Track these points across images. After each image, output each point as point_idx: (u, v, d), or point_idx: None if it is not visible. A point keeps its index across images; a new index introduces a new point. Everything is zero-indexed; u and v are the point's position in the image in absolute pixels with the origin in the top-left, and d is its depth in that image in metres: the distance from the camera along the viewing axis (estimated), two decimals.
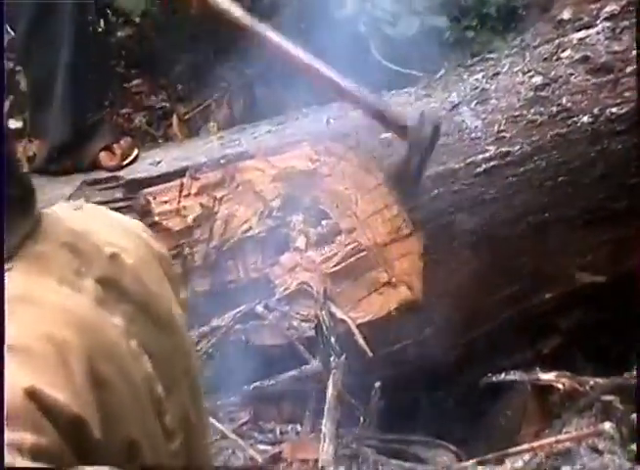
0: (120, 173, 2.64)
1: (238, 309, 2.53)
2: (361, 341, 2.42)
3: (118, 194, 2.60)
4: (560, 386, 2.41)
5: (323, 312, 2.46)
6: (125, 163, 2.68)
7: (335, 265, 2.52)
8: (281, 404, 2.51)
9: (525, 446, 2.11)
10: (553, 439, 2.12)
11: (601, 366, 2.52)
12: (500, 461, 2.14)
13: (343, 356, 2.39)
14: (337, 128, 2.66)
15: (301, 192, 2.59)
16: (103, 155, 2.70)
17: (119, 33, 3.55)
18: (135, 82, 3.45)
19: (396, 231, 2.46)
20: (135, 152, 2.72)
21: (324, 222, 2.56)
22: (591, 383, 2.35)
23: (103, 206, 2.56)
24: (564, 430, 2.25)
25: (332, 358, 2.39)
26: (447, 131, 2.57)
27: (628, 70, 2.67)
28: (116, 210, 2.48)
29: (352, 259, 2.50)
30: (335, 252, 2.53)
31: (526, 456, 2.10)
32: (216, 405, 2.42)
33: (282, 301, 2.55)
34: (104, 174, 2.65)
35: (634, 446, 1.80)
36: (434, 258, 2.46)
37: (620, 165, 2.61)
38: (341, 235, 2.53)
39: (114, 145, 2.71)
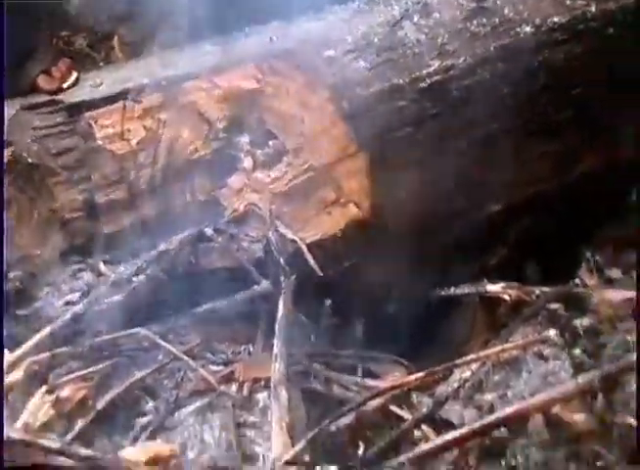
0: (60, 97, 2.59)
1: (186, 233, 2.52)
2: (311, 260, 2.42)
3: (59, 118, 2.54)
4: (507, 296, 2.45)
5: (272, 233, 2.46)
6: (65, 85, 2.63)
7: (283, 186, 2.51)
8: (233, 326, 2.52)
9: (473, 356, 2.14)
10: (499, 347, 2.15)
11: (547, 276, 2.55)
12: (449, 372, 2.17)
13: (293, 276, 2.39)
14: (280, 47, 2.63)
15: (247, 112, 2.57)
16: (41, 78, 2.64)
17: None
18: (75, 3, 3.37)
19: (343, 150, 2.45)
20: (75, 74, 2.66)
21: (271, 143, 2.55)
22: (537, 292, 2.38)
23: (44, 130, 2.56)
24: (510, 339, 2.29)
25: (282, 279, 2.40)
26: (391, 47, 2.55)
27: None
28: (58, 134, 2.52)
29: (300, 180, 2.49)
30: (282, 172, 2.52)
31: (474, 366, 2.13)
32: (167, 328, 2.43)
33: (231, 223, 2.54)
34: (43, 98, 2.60)
35: (577, 351, 1.84)
36: (382, 175, 2.46)
37: (563, 76, 2.62)
38: (288, 155, 2.52)
39: (53, 68, 2.65)
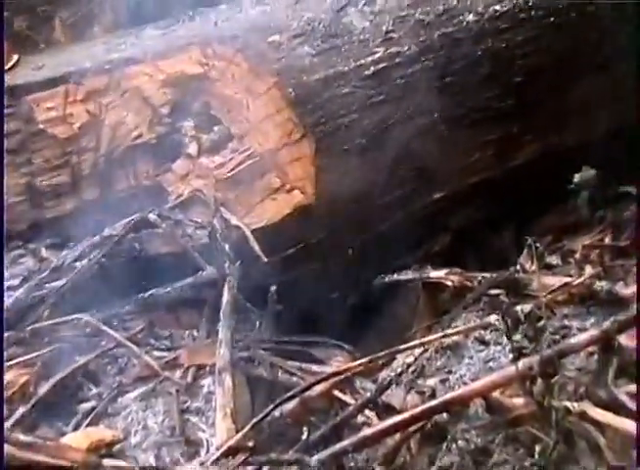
0: None
1: (130, 218, 2.50)
2: (256, 246, 2.42)
3: None
4: (449, 282, 2.48)
5: (217, 219, 2.46)
6: (5, 68, 2.59)
7: (228, 172, 2.50)
8: (177, 312, 2.51)
9: (416, 342, 2.16)
10: (442, 333, 2.18)
11: (489, 262, 2.59)
12: (392, 358, 2.19)
13: (238, 262, 2.39)
14: (225, 31, 2.61)
15: (191, 97, 2.55)
16: None
17: None
18: None
19: (288, 136, 2.45)
20: (15, 57, 2.63)
21: (215, 128, 2.53)
22: (479, 278, 2.41)
23: None
24: (453, 324, 2.32)
25: (227, 265, 2.40)
26: (336, 33, 2.56)
27: None
28: None
29: (245, 165, 2.49)
30: (227, 158, 2.51)
31: (417, 351, 2.16)
32: (111, 314, 2.41)
33: (175, 208, 2.53)
34: None
35: (517, 337, 1.87)
36: (326, 161, 2.47)
37: (505, 64, 2.65)
38: (233, 141, 2.51)
39: None
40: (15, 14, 3.07)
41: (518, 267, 2.40)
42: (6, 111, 2.50)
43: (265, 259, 2.41)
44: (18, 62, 2.63)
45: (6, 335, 2.25)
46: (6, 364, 2.20)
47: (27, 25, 3.13)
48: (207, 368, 2.27)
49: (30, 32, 3.14)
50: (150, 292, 2.46)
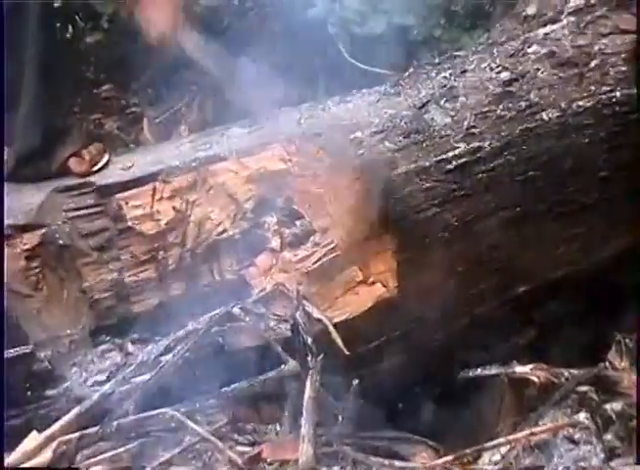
0: (92, 179, 2.62)
1: (214, 312, 2.52)
2: (338, 340, 2.42)
3: (90, 200, 2.57)
4: (535, 378, 2.43)
5: (299, 313, 2.47)
6: (95, 168, 2.66)
7: (310, 265, 2.52)
8: (260, 406, 2.50)
9: (502, 440, 2.13)
10: (529, 431, 2.13)
11: (576, 357, 2.54)
12: (478, 455, 2.15)
13: (321, 356, 2.39)
14: (308, 129, 2.67)
15: (275, 193, 2.60)
16: (72, 160, 2.67)
17: (88, 39, 3.54)
18: (105, 87, 3.44)
19: (370, 230, 2.47)
20: (105, 157, 2.70)
21: (298, 222, 2.57)
22: (566, 374, 2.36)
23: (75, 212, 2.59)
24: (540, 422, 2.27)
25: (309, 358, 2.40)
26: (417, 129, 2.59)
27: (593, 63, 2.70)
28: (89, 215, 2.55)
29: (327, 259, 2.51)
30: (310, 252, 2.53)
31: (504, 449, 2.11)
32: (195, 408, 2.42)
33: (258, 302, 2.54)
34: (75, 180, 2.64)
35: (609, 435, 1.82)
36: (409, 255, 2.47)
37: (589, 159, 2.64)
38: (315, 235, 2.54)
39: (84, 151, 2.68)
40: (106, 115, 3.19)
41: (607, 364, 2.35)
42: (95, 209, 2.57)
43: (347, 353, 2.40)
44: (108, 162, 2.72)
45: (93, 430, 2.27)
46: (93, 459, 2.21)
47: (118, 126, 3.24)
48: (291, 463, 2.25)
49: (120, 133, 3.24)
50: (233, 386, 2.46)
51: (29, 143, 2.67)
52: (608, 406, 1.94)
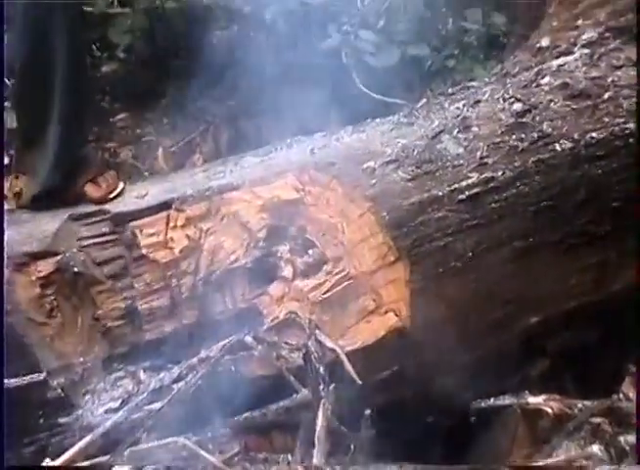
0: (107, 207, 2.64)
1: (226, 340, 2.52)
2: (350, 369, 2.42)
3: (105, 228, 2.59)
4: (549, 409, 2.42)
5: (311, 341, 2.47)
6: (111, 196, 2.68)
7: (322, 294, 2.52)
8: (271, 435, 2.50)
9: None
10: (542, 462, 2.12)
11: (589, 388, 2.53)
12: None
13: (333, 385, 2.39)
14: (321, 158, 2.69)
15: (287, 222, 2.61)
16: (88, 187, 2.69)
17: (104, 68, 3.58)
18: (120, 116, 3.47)
19: (382, 259, 2.47)
20: (121, 185, 2.73)
21: (310, 251, 2.58)
22: (579, 405, 2.36)
23: (89, 240, 2.60)
24: (553, 453, 2.25)
25: (321, 387, 2.39)
26: (430, 159, 2.60)
27: (606, 95, 2.71)
28: (103, 243, 2.57)
29: (340, 288, 2.51)
30: (322, 280, 2.54)
31: None
32: (207, 437, 2.42)
33: (270, 330, 2.55)
34: (90, 208, 2.65)
35: (624, 468, 1.81)
36: (421, 284, 2.48)
37: (602, 190, 2.65)
38: (327, 264, 2.54)
39: (100, 178, 2.70)
40: (121, 144, 3.21)
41: (620, 395, 2.34)
42: (110, 237, 2.59)
43: (360, 382, 2.40)
44: (123, 190, 2.74)
45: (105, 458, 2.27)
46: None
47: (133, 155, 3.26)
48: None
49: (135, 161, 3.26)
50: (245, 414, 2.46)
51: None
52: (622, 438, 1.92)
